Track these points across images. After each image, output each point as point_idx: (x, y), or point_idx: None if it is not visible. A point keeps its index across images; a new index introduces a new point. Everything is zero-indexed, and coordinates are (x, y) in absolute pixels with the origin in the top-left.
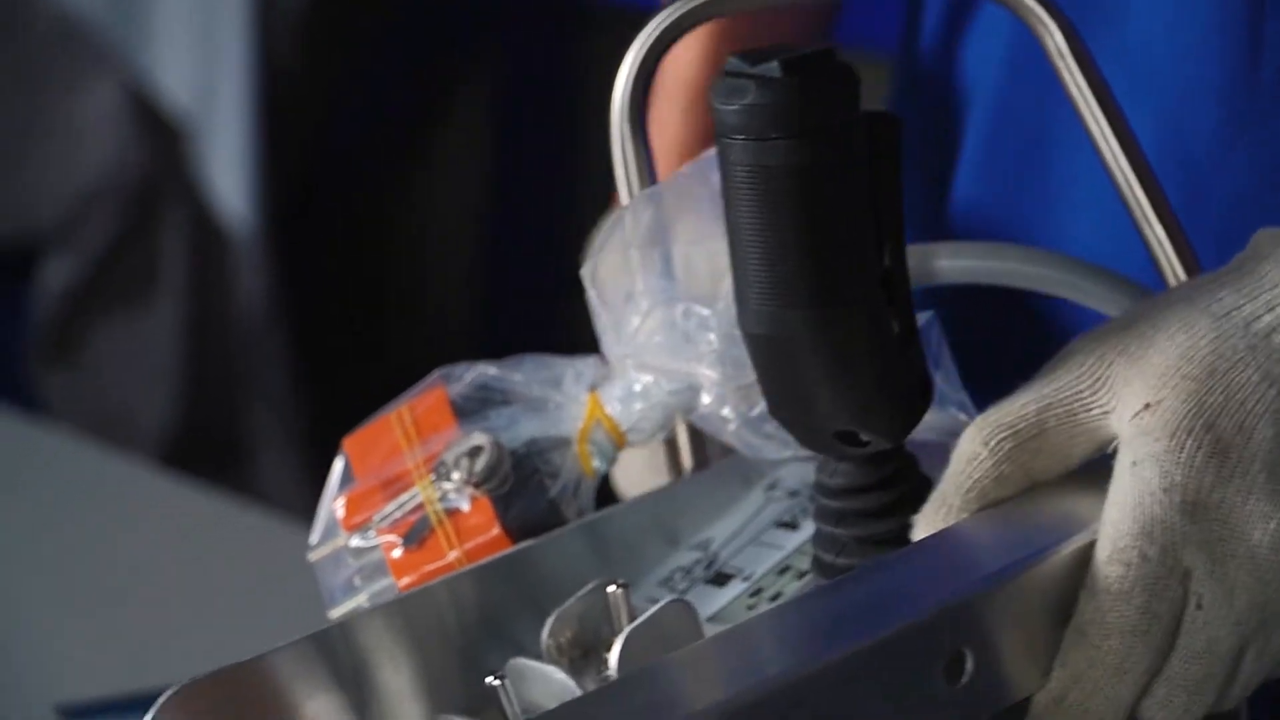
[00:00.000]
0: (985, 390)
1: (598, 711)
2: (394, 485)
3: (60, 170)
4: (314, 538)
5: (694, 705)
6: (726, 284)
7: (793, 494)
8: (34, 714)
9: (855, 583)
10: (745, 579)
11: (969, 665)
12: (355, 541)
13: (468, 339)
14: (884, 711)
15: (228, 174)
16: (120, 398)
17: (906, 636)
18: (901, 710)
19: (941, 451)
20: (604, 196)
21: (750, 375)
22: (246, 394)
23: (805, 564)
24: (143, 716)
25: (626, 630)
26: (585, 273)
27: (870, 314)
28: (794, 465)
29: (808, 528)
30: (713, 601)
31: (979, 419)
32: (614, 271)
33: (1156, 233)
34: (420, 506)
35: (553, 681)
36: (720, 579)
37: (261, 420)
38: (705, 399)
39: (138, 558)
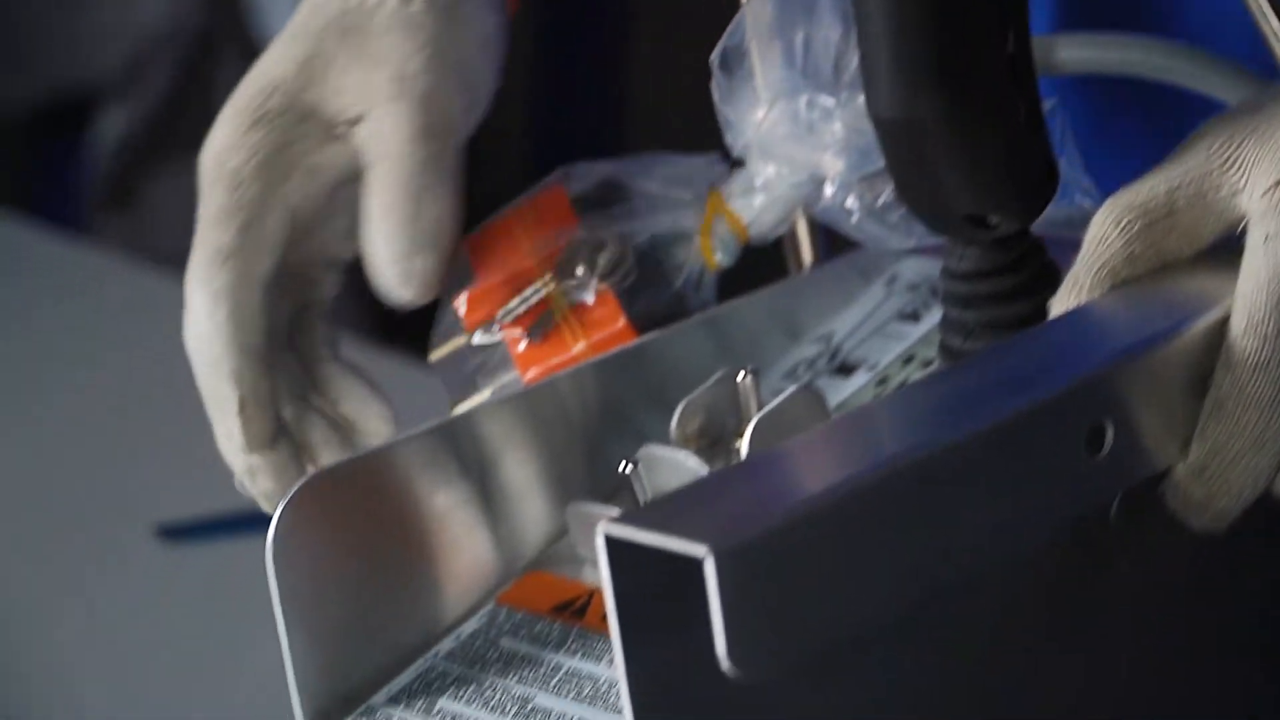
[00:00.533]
0: (1108, 182)
1: (727, 488)
2: (517, 281)
3: (118, 20)
4: (434, 337)
5: (826, 483)
6: (850, 73)
7: (913, 287)
8: (135, 536)
9: (991, 359)
10: (870, 369)
11: (1109, 436)
12: (478, 338)
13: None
14: (1027, 484)
15: (283, 21)
16: (178, 246)
17: (1047, 408)
18: (1044, 482)
19: (1067, 248)
20: None
21: (875, 164)
22: None
23: (930, 353)
24: (244, 533)
25: (756, 417)
26: (714, 60)
27: (997, 94)
28: (913, 260)
29: (930, 319)
30: (838, 392)
31: (1109, 200)
32: (735, 63)
33: (1273, 25)
34: (544, 301)
35: (684, 467)
36: (845, 369)
37: None
38: (829, 190)
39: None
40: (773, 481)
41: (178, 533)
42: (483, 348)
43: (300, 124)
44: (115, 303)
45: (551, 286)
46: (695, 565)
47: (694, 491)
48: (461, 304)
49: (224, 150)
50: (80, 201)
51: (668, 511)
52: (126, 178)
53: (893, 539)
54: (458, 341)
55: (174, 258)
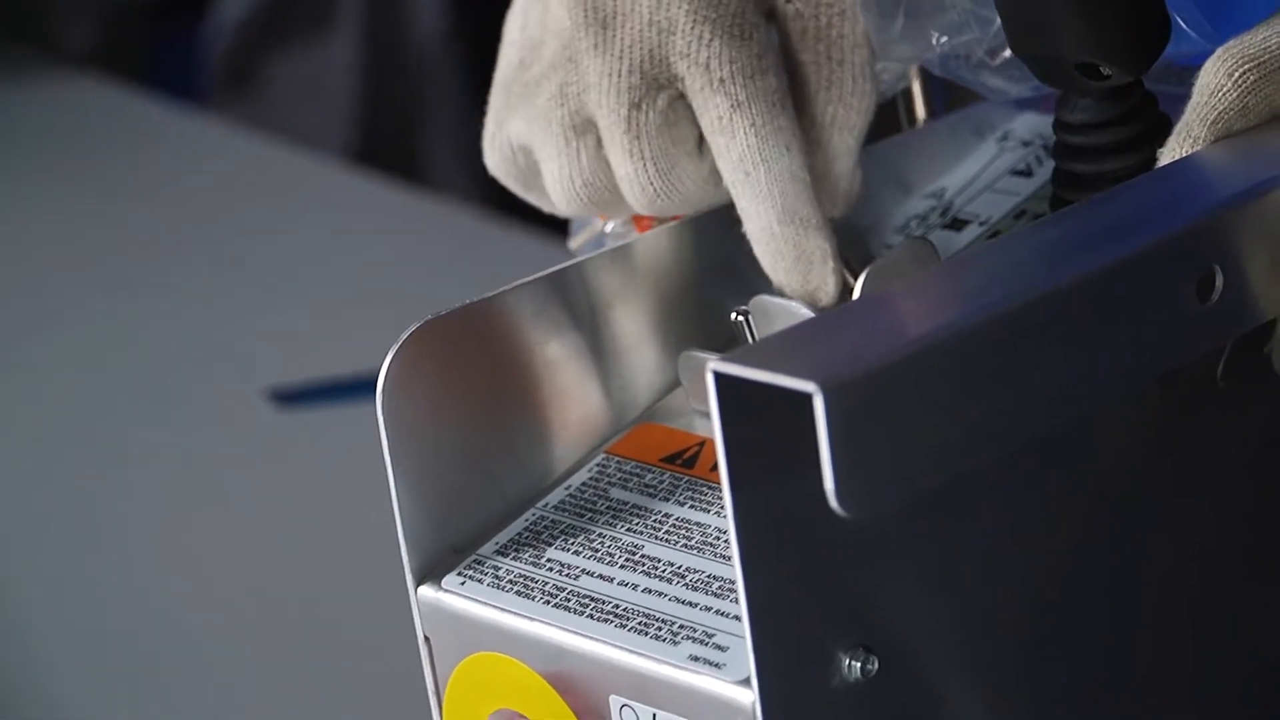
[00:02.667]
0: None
1: (837, 328)
2: None
3: None
4: (572, 225)
5: (934, 323)
6: None
7: (1026, 143)
8: (247, 401)
9: (1099, 206)
10: (982, 224)
11: (1219, 282)
12: (610, 227)
13: None
14: (1136, 328)
15: None
16: (297, 129)
17: (1157, 251)
18: (1153, 327)
19: (1175, 100)
20: None
21: (991, 14)
22: (424, 124)
23: (1043, 208)
24: (355, 397)
25: (869, 267)
26: None
27: None
28: (1027, 116)
29: (1042, 175)
30: (951, 245)
31: (1221, 50)
32: None
33: None
34: None
35: (796, 316)
36: (957, 224)
37: (438, 150)
38: (944, 42)
39: (323, 250)
40: (881, 322)
41: (290, 397)
42: (618, 234)
43: None
44: (234, 176)
45: None
46: (805, 401)
47: (803, 331)
48: None
49: None
50: (201, 79)
51: (777, 350)
52: (246, 56)
53: (999, 380)
54: (594, 228)
55: (292, 133)
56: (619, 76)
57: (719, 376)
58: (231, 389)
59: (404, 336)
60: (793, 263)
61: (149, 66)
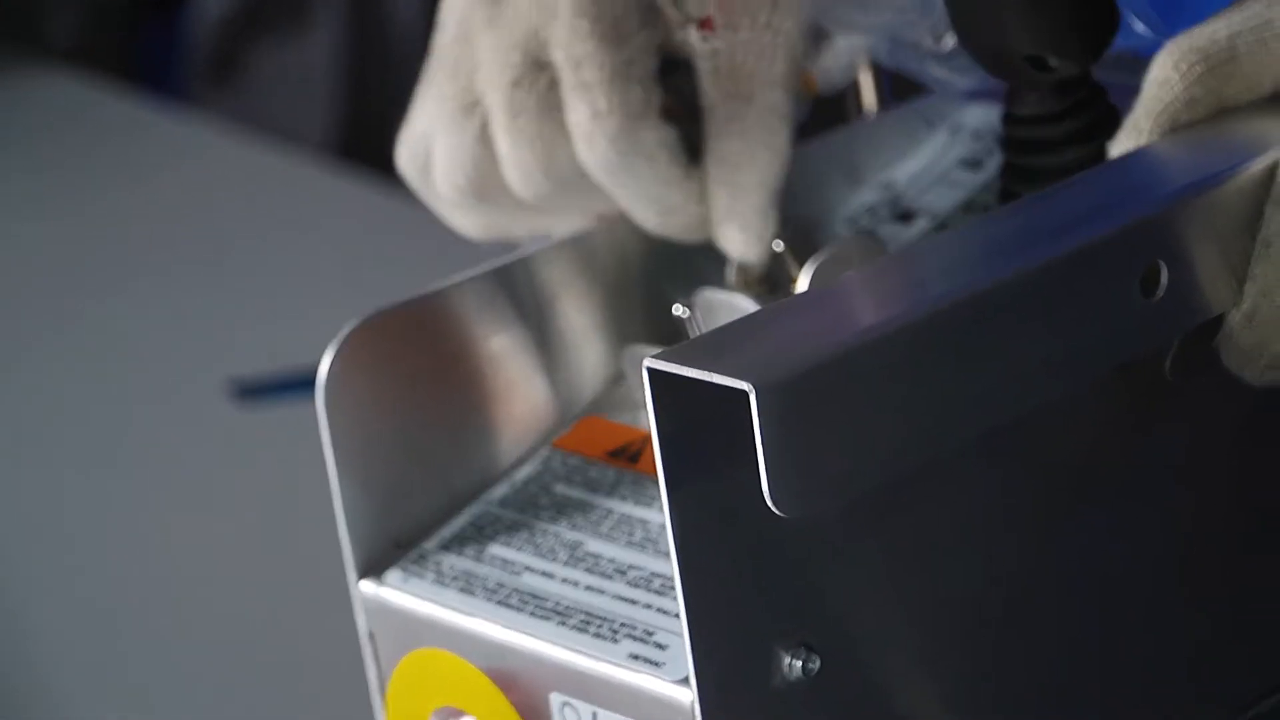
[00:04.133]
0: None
1: (774, 323)
2: None
3: None
4: None
5: (875, 318)
6: None
7: (977, 135)
8: (204, 393)
9: (1045, 199)
10: (931, 216)
11: (1164, 278)
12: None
13: None
14: (1081, 324)
15: None
16: (280, 119)
17: (1101, 247)
18: (1099, 323)
19: (1126, 93)
20: None
21: (938, 8)
22: (405, 115)
23: (991, 201)
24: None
25: (814, 260)
26: None
27: None
28: (978, 108)
29: (992, 167)
30: (899, 239)
31: (1170, 43)
32: None
33: None
34: None
35: (740, 310)
36: (906, 217)
37: None
38: (893, 35)
39: (300, 248)
40: (821, 317)
41: (251, 391)
42: None
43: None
44: (212, 173)
45: None
46: (740, 398)
47: (741, 327)
48: None
49: None
50: (183, 72)
51: (713, 346)
52: (228, 49)
53: (941, 377)
54: None
55: (274, 125)
56: (503, 52)
57: (654, 374)
58: (197, 383)
59: (345, 331)
60: (684, 234)
61: (131, 60)
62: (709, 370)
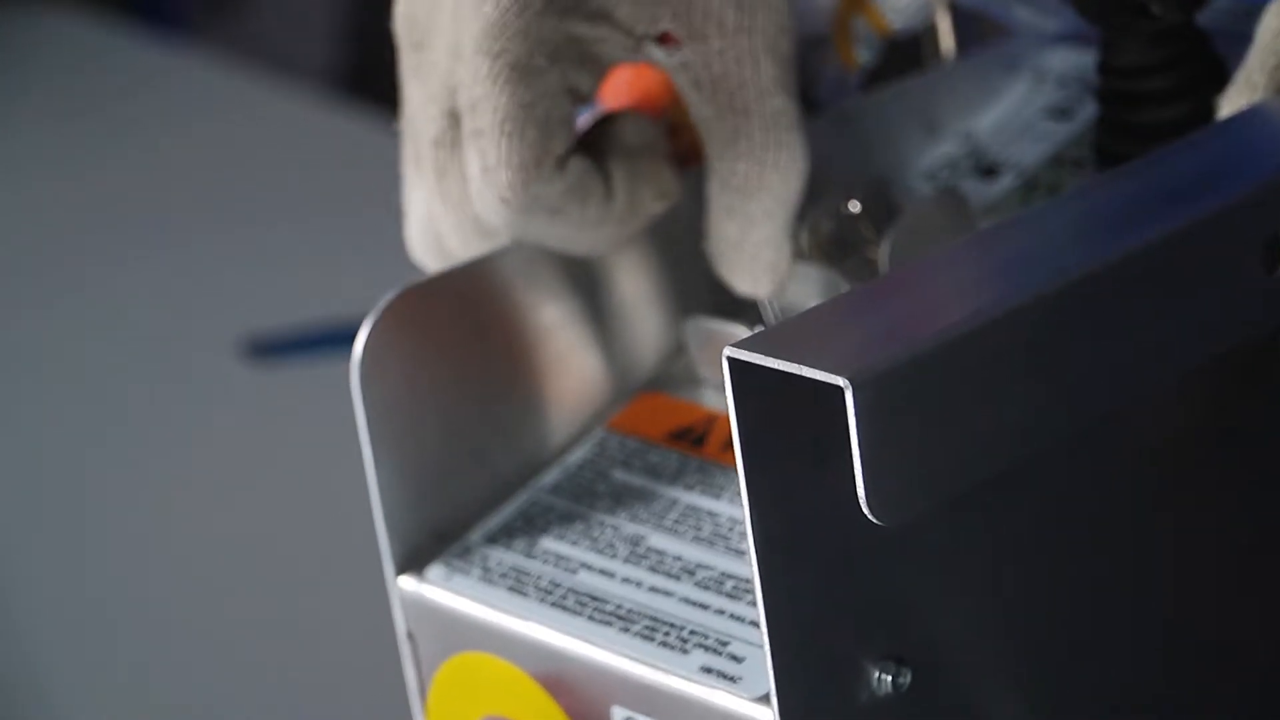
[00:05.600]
0: None
1: (868, 307)
2: (645, 108)
3: None
4: None
5: (977, 303)
6: None
7: (1063, 82)
8: (221, 353)
9: (1155, 165)
10: (1016, 171)
11: None
12: None
13: None
14: (1198, 305)
15: None
16: (281, 52)
17: (1218, 219)
18: (1215, 304)
19: (1234, 41)
20: None
21: None
22: None
23: (1083, 154)
24: (337, 349)
25: (895, 225)
26: None
27: None
28: (1064, 50)
29: (1082, 117)
30: (982, 196)
31: None
32: None
33: None
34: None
35: (816, 280)
36: (988, 171)
37: None
38: None
39: (307, 187)
40: (916, 301)
41: (267, 349)
42: None
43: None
44: (215, 109)
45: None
46: (834, 393)
47: (830, 311)
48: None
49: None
50: (183, 3)
51: (800, 333)
52: None
53: (1046, 366)
54: None
55: (276, 57)
56: (424, 105)
57: (735, 364)
58: (204, 339)
59: (381, 305)
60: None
61: None
62: (799, 362)
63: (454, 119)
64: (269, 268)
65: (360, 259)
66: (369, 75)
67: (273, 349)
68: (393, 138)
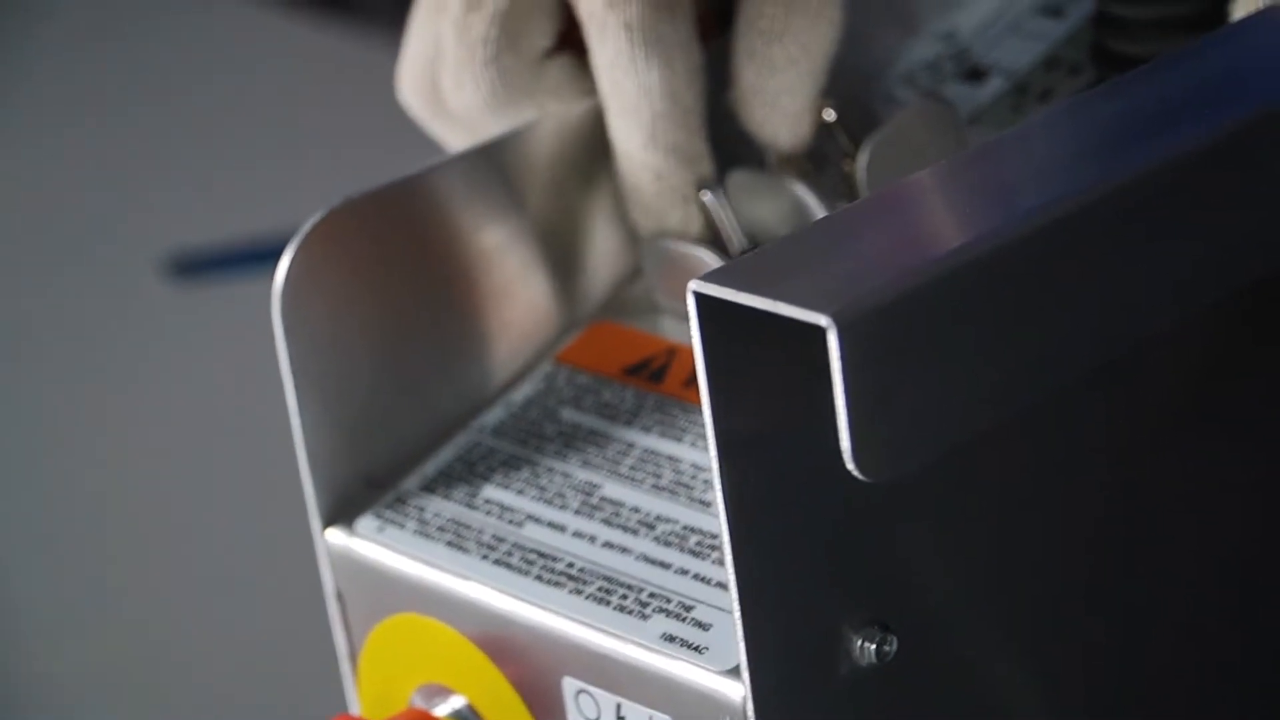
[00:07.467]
0: None
1: (848, 236)
2: None
3: None
4: None
5: (975, 231)
6: None
7: None
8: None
9: (1160, 73)
10: (1005, 74)
11: None
12: None
13: None
14: (1214, 233)
15: None
16: None
17: (1243, 132)
18: (1235, 230)
19: None
20: None
21: None
22: None
23: (1078, 56)
24: (266, 266)
25: (872, 136)
26: None
27: None
28: None
29: (1076, 14)
30: (968, 101)
31: None
32: None
33: None
34: None
35: (786, 195)
36: (975, 74)
37: None
38: None
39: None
40: (905, 227)
41: (191, 268)
42: None
43: None
44: (142, 10)
45: None
46: (816, 335)
47: (805, 241)
48: None
49: None
50: None
51: (775, 265)
52: None
53: (1056, 301)
54: None
55: None
56: None
57: (701, 299)
58: (124, 257)
59: (305, 228)
60: (652, 197)
61: None
62: (774, 298)
63: None
64: (196, 182)
65: (298, 172)
66: None
67: (198, 267)
68: (334, 44)
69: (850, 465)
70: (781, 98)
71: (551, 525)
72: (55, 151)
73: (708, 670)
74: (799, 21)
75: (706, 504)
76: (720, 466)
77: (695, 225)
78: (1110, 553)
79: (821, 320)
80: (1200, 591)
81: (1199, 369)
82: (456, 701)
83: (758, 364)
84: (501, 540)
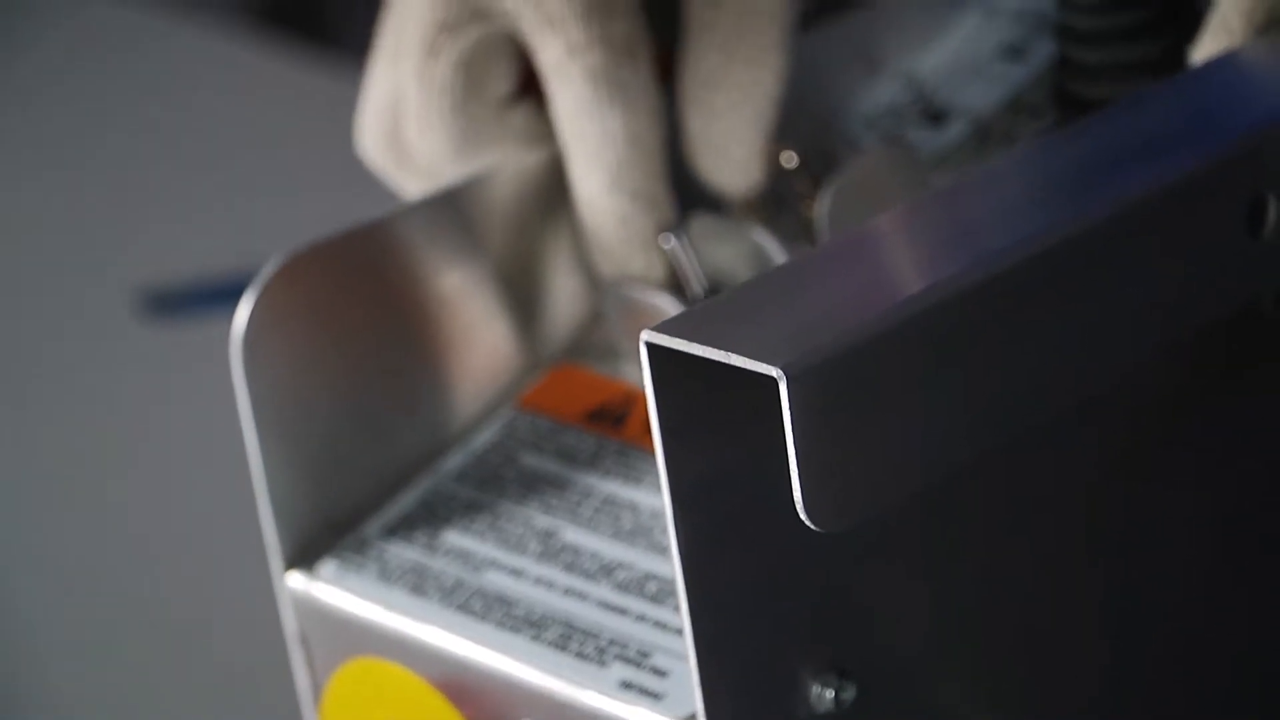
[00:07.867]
0: None
1: (804, 284)
2: None
3: None
4: None
5: (934, 277)
6: None
7: (1018, 17)
8: (114, 303)
9: (1122, 116)
10: (967, 117)
11: (1273, 213)
12: None
13: None
14: (1174, 272)
15: None
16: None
17: (1195, 178)
18: (1196, 270)
19: None
20: None
21: None
22: None
23: (1040, 99)
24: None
25: (832, 184)
26: None
27: None
28: None
29: (1038, 56)
30: (929, 145)
31: None
32: None
33: None
34: None
35: (747, 240)
36: (937, 117)
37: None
38: None
39: (219, 134)
40: (861, 275)
41: (165, 304)
42: None
43: None
44: (113, 41)
45: None
46: (769, 386)
47: (763, 287)
48: None
49: None
50: None
51: (728, 313)
52: None
53: (1014, 348)
54: None
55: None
56: None
57: (654, 350)
58: (97, 292)
59: (266, 272)
60: (616, 242)
61: None
62: (726, 349)
63: (479, 15)
64: (169, 216)
65: (271, 205)
66: (283, 8)
67: (171, 304)
68: (306, 76)
69: (803, 516)
70: (729, 144)
71: (511, 571)
72: (26, 185)
73: (664, 718)
74: (738, 69)
75: (666, 550)
76: (674, 513)
77: (658, 270)
78: (1076, 595)
79: (773, 371)
80: (1168, 631)
81: (1161, 410)
82: None
83: (713, 411)
84: (461, 585)
